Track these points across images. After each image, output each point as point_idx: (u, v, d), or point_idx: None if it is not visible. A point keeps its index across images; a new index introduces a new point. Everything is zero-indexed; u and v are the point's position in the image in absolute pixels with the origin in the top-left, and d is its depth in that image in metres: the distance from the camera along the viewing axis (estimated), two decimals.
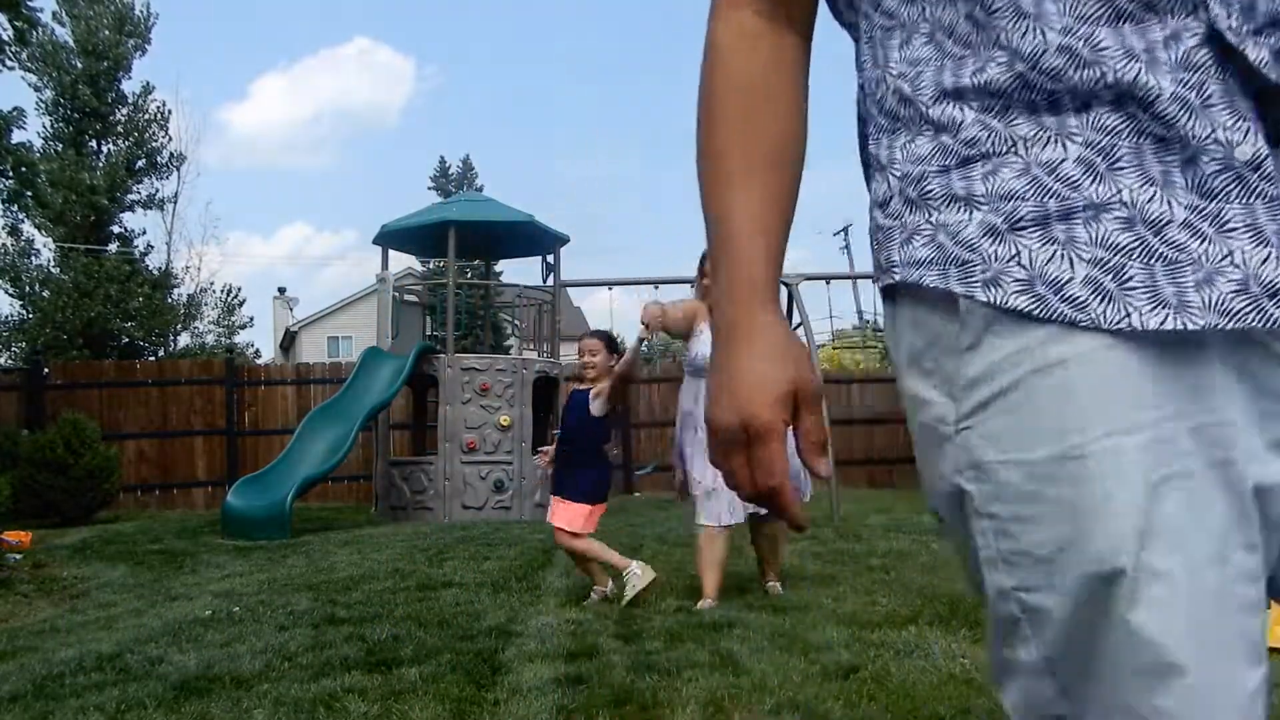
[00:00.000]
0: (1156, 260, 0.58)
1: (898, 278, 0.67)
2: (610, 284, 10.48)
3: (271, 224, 72.72)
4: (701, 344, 4.11)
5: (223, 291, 21.71)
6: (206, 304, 21.02)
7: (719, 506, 4.01)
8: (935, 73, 0.66)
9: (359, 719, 2.55)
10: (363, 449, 10.74)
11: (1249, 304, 0.56)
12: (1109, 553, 0.57)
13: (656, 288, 9.30)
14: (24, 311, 17.51)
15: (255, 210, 65.69)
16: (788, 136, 0.77)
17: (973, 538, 0.64)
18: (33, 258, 17.70)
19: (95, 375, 11.43)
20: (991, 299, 0.61)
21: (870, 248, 0.73)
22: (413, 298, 11.19)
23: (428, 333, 11.02)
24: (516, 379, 9.20)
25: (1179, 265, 0.58)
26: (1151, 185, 0.59)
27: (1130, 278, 0.58)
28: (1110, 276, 0.59)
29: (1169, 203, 0.59)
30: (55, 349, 15.99)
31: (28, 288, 17.23)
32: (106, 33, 17.67)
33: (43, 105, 17.51)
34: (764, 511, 4.03)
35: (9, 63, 11.30)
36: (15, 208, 16.75)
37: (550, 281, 10.33)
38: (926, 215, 0.66)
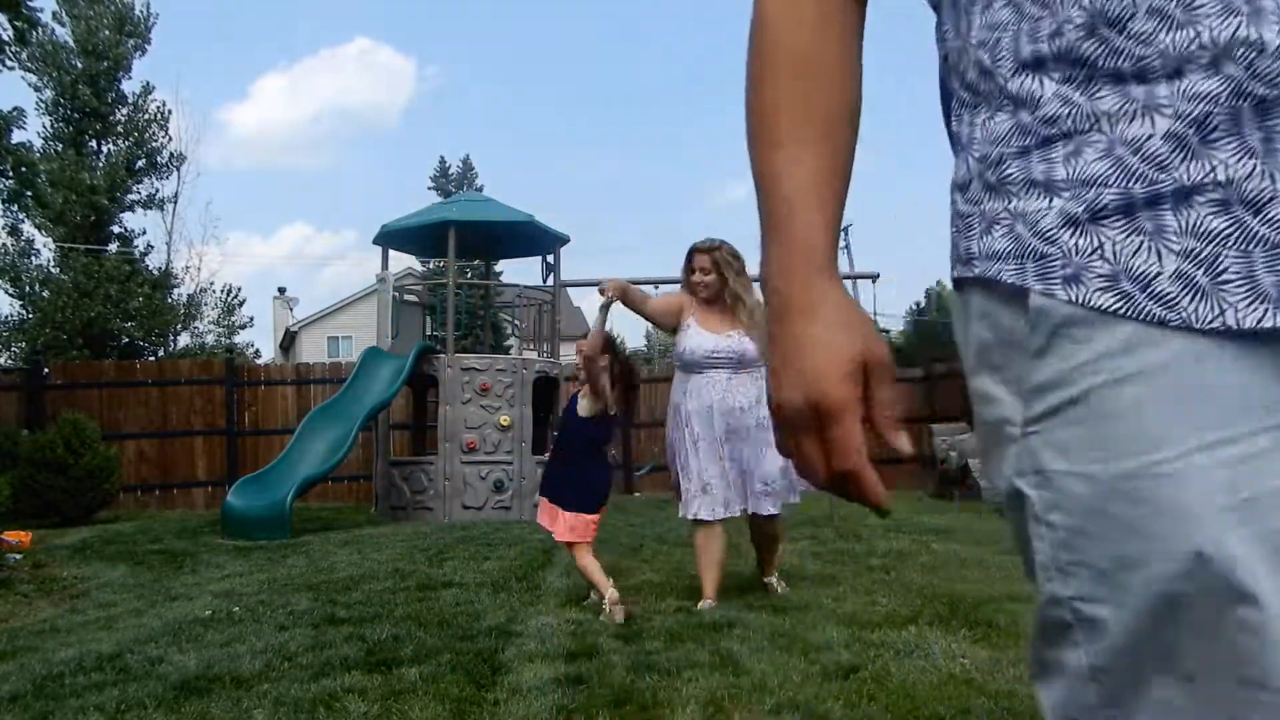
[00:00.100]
0: (1256, 245, 0.53)
1: (976, 271, 0.63)
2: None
3: (271, 224, 72.79)
4: (688, 338, 4.12)
5: (223, 291, 21.72)
6: (206, 304, 21.04)
7: (707, 501, 4.01)
8: (1013, 39, 0.61)
9: (359, 719, 2.55)
10: (363, 449, 10.75)
11: None
12: (1194, 573, 0.53)
13: (656, 288, 9.28)
14: (24, 311, 17.52)
15: (255, 210, 65.70)
16: (840, 101, 0.73)
17: (1029, 540, 0.61)
18: (33, 258, 17.72)
19: (95, 375, 11.44)
20: (1072, 297, 0.57)
21: (950, 233, 0.68)
22: (413, 298, 11.19)
23: (428, 333, 11.03)
24: (516, 379, 9.20)
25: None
26: (1250, 157, 0.53)
27: (1224, 269, 0.53)
28: (1202, 269, 0.54)
29: (1270, 175, 0.53)
30: (55, 349, 16.00)
31: (28, 288, 17.23)
32: (106, 33, 17.68)
33: (43, 105, 17.53)
34: (768, 512, 4.00)
35: (9, 63, 11.31)
36: (15, 208, 16.77)
37: (550, 281, 10.33)
38: (1005, 202, 0.61)
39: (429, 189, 33.16)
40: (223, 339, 21.37)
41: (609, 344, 4.11)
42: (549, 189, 63.94)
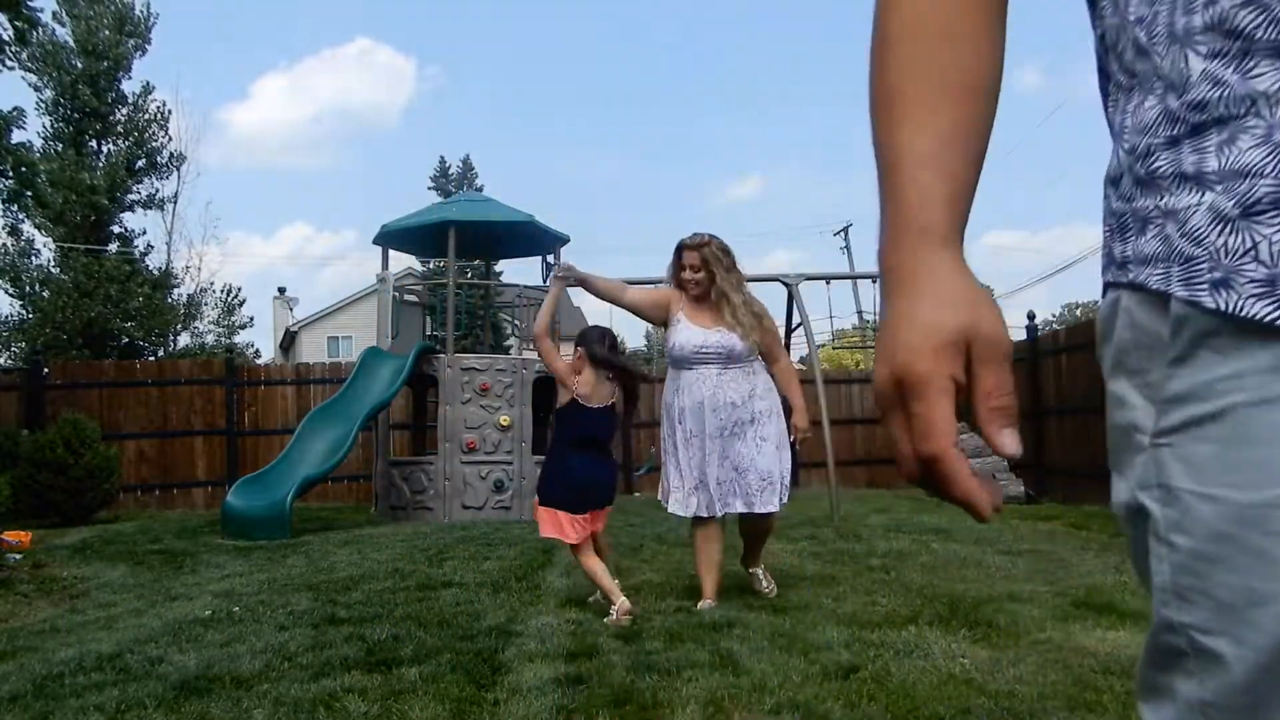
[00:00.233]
0: None
1: (1129, 277, 0.59)
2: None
3: (271, 224, 72.79)
4: (677, 333, 4.10)
5: (222, 291, 21.71)
6: (206, 304, 21.02)
7: (694, 500, 4.00)
8: (1169, 12, 0.56)
9: (359, 719, 2.55)
10: (362, 449, 10.75)
11: None
12: None
13: (657, 287, 9.30)
14: (24, 311, 17.51)
15: (255, 210, 65.70)
16: (973, 69, 0.68)
17: (1149, 557, 0.56)
18: (33, 258, 17.71)
19: (95, 375, 11.43)
20: (1220, 304, 0.51)
21: (1103, 233, 0.63)
22: (413, 298, 11.19)
23: (428, 333, 11.03)
24: (516, 379, 9.20)
25: None
26: None
27: None
28: None
29: None
30: (55, 349, 15.99)
31: (28, 288, 17.23)
32: (106, 33, 17.67)
33: (43, 105, 17.53)
34: (764, 509, 3.94)
35: (9, 63, 11.31)
36: (15, 208, 16.78)
37: (550, 281, 10.32)
38: (1156, 199, 0.56)
39: (429, 189, 33.19)
40: (223, 339, 21.36)
41: (593, 341, 4.05)
42: (549, 189, 63.95)
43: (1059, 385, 9.86)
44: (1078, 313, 46.18)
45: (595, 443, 4.02)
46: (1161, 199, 0.56)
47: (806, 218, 79.56)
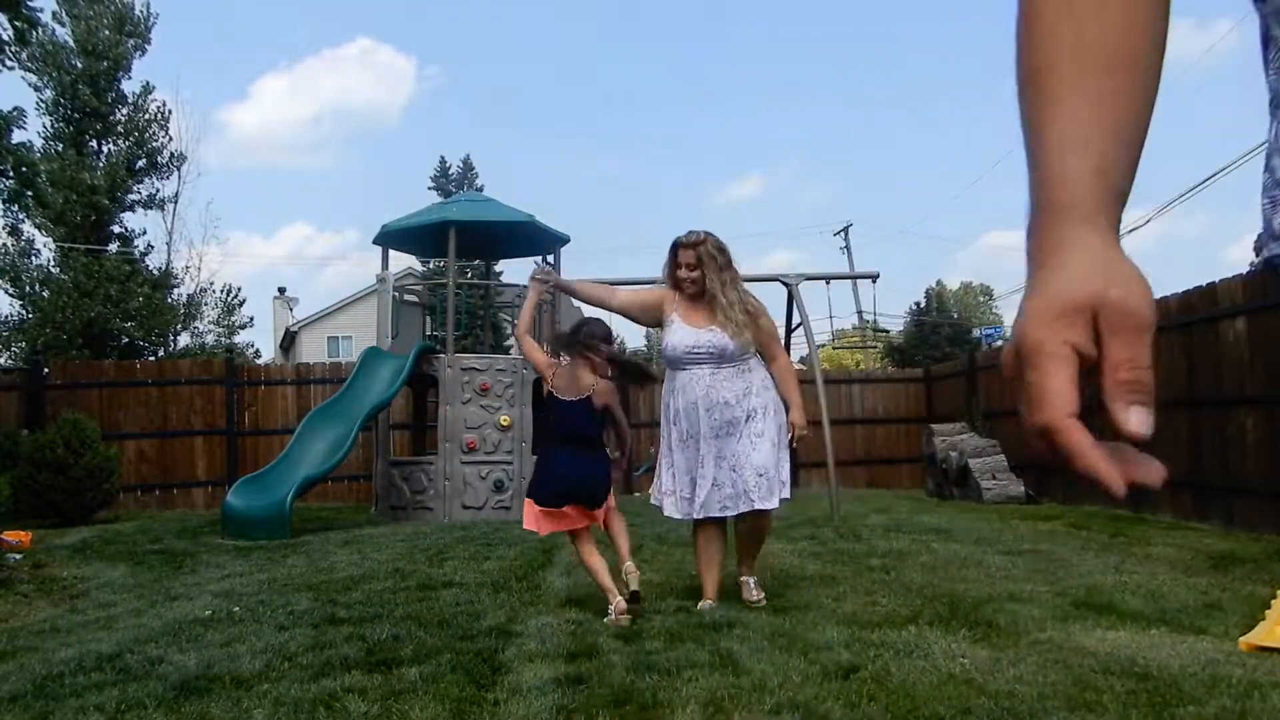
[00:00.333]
0: None
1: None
2: (609, 284, 10.47)
3: (272, 224, 72.80)
4: (670, 333, 4.06)
5: (222, 291, 21.70)
6: (206, 304, 21.01)
7: (679, 503, 4.01)
8: None
9: (359, 719, 2.55)
10: (362, 449, 10.74)
11: None
12: None
13: (651, 287, 9.29)
14: (24, 311, 17.50)
15: (256, 210, 65.69)
16: (1123, 41, 0.65)
17: None
18: (33, 258, 17.70)
19: (95, 375, 11.43)
20: None
21: (1262, 204, 0.60)
22: (413, 298, 11.18)
23: (428, 333, 11.02)
24: (516, 379, 9.20)
25: None
26: None
27: None
28: None
29: None
30: (55, 349, 15.98)
31: (28, 288, 17.22)
32: (106, 33, 17.66)
33: (43, 105, 17.51)
34: (761, 505, 3.84)
35: (9, 63, 11.30)
36: (15, 208, 16.76)
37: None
38: None
39: (429, 189, 33.15)
40: (223, 339, 21.34)
41: (576, 330, 3.98)
42: (549, 189, 63.95)
43: None
44: None
45: (578, 438, 3.88)
46: None
47: (806, 218, 79.54)
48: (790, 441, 4.07)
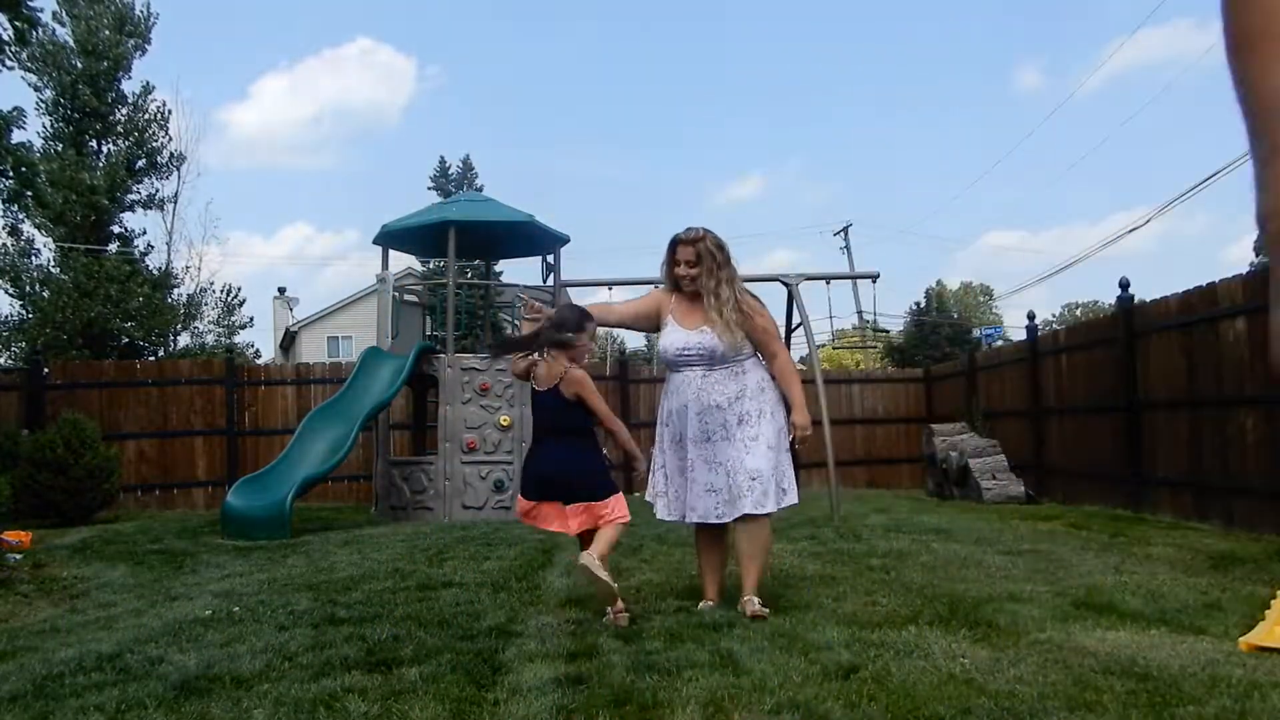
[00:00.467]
0: None
1: None
2: (610, 284, 10.47)
3: (272, 224, 72.86)
4: (664, 335, 4.00)
5: (222, 291, 21.69)
6: (206, 304, 21.00)
7: (670, 505, 3.99)
8: None
9: (359, 719, 2.55)
10: (362, 449, 10.74)
11: None
12: None
13: (656, 287, 9.28)
14: (24, 311, 17.50)
15: (255, 210, 65.71)
16: None
17: None
18: (33, 258, 17.69)
19: (95, 375, 11.44)
20: None
21: None
22: (413, 298, 11.18)
23: (428, 333, 11.02)
24: (516, 379, 9.19)
25: None
26: None
27: None
28: None
29: None
30: (55, 349, 15.98)
31: (28, 288, 17.22)
32: (106, 33, 17.66)
33: (43, 105, 17.52)
34: (756, 510, 3.74)
35: (9, 63, 11.30)
36: (15, 208, 16.75)
37: (550, 281, 10.33)
38: None
39: (429, 189, 33.19)
40: (222, 339, 21.33)
41: (555, 321, 3.86)
42: (548, 189, 63.97)
43: (1059, 385, 9.85)
44: (1077, 313, 46.15)
45: (555, 429, 3.77)
46: None
47: (807, 218, 79.55)
48: (792, 442, 3.98)
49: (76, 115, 17.65)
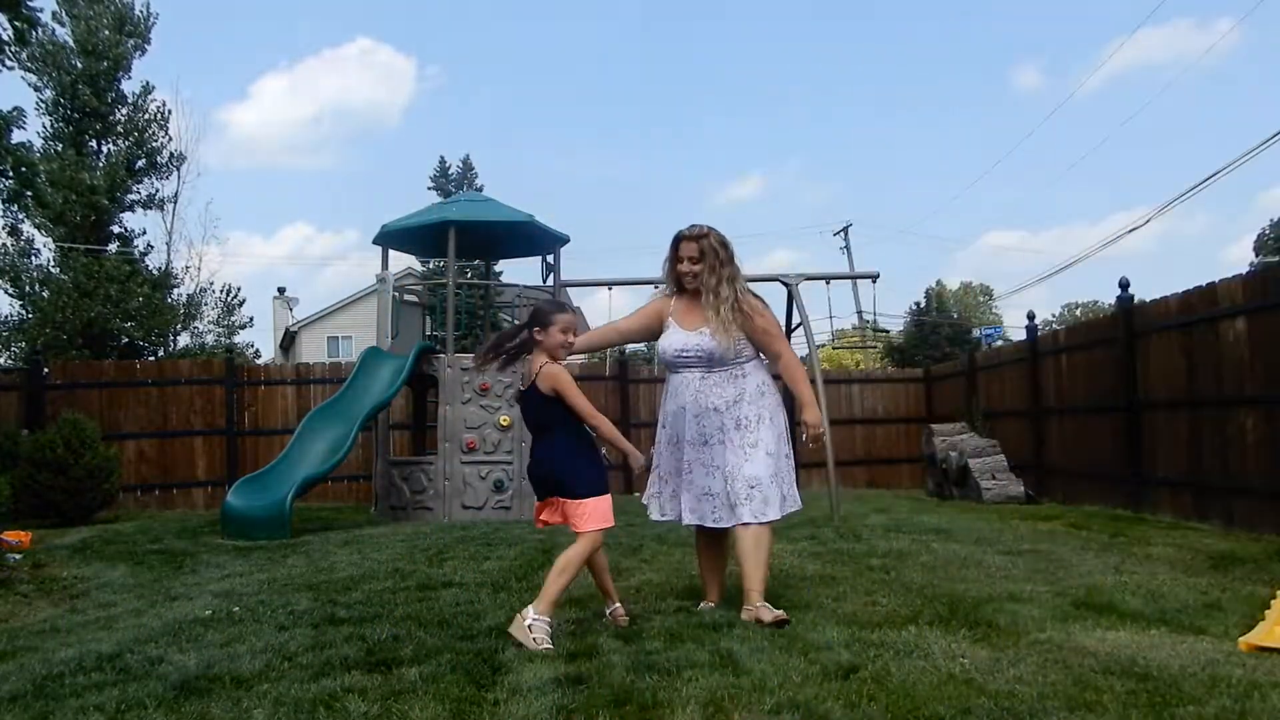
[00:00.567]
0: None
1: None
2: (610, 284, 10.47)
3: (272, 224, 72.87)
4: (664, 336, 3.94)
5: (222, 291, 21.68)
6: (206, 304, 20.99)
7: (664, 506, 3.96)
8: None
9: (359, 719, 2.55)
10: (362, 449, 10.74)
11: None
12: None
13: (656, 287, 9.28)
14: (24, 311, 17.50)
15: (255, 210, 65.76)
16: None
17: None
18: (32, 257, 17.69)
19: (95, 375, 11.44)
20: None
21: None
22: (413, 298, 11.18)
23: (428, 333, 11.02)
24: (516, 379, 9.18)
25: None
26: None
27: None
28: None
29: None
30: (55, 349, 15.98)
31: (28, 288, 17.22)
32: (106, 32, 17.66)
33: (43, 105, 17.52)
34: (754, 519, 3.65)
35: (9, 63, 11.30)
36: (15, 208, 16.75)
37: (550, 281, 10.32)
38: None
39: (429, 189, 33.17)
40: (222, 339, 21.32)
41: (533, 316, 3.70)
42: (548, 189, 64.00)
43: (1059, 385, 9.85)
44: (1077, 313, 46.13)
45: (535, 426, 3.68)
46: None
47: (806, 218, 79.56)
48: (806, 442, 3.91)
49: (76, 115, 17.65)
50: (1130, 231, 48.76)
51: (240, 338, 22.49)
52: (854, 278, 16.54)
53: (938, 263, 78.37)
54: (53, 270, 17.50)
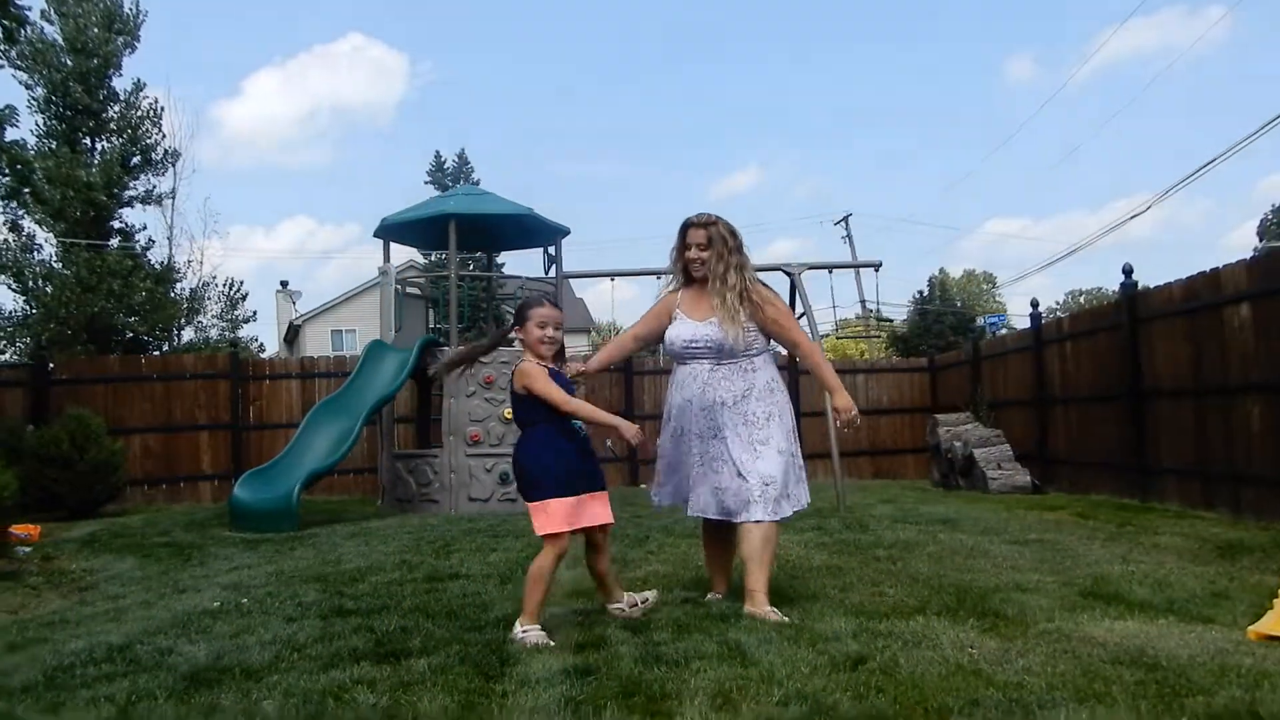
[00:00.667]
0: None
1: None
2: (612, 275, 10.47)
3: (273, 218, 72.92)
4: (672, 327, 3.85)
5: (225, 285, 21.66)
6: (209, 298, 20.98)
7: (660, 490, 3.97)
8: None
9: (368, 710, 2.55)
10: (367, 443, 10.76)
11: None
12: None
13: (658, 278, 9.27)
14: (27, 307, 17.51)
15: (255, 205, 65.87)
16: None
17: None
18: (34, 253, 17.69)
19: (100, 370, 11.46)
20: None
21: None
22: (415, 290, 11.17)
23: (431, 325, 11.02)
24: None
25: None
26: None
27: None
28: None
29: None
30: (60, 344, 15.99)
31: (31, 283, 17.22)
32: (95, 30, 17.63)
33: (35, 103, 17.50)
34: (762, 517, 3.59)
35: None
36: (14, 204, 16.76)
37: (552, 273, 10.31)
38: None
39: (426, 183, 33.04)
40: (226, 333, 21.32)
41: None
42: (544, 181, 63.97)
43: (1063, 373, 9.83)
44: (1081, 300, 46.01)
45: (519, 423, 3.64)
46: None
47: (807, 207, 79.44)
48: (841, 428, 3.86)
49: (69, 113, 17.62)
50: (1132, 218, 48.55)
51: (244, 332, 22.45)
52: (856, 267, 16.50)
53: (940, 251, 78.33)
54: (55, 265, 17.50)
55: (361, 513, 8.93)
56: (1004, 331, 22.87)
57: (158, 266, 19.04)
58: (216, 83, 62.82)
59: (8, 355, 17.77)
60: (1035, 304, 10.88)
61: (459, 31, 70.20)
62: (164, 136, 19.11)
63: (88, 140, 18.08)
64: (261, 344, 28.22)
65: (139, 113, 18.54)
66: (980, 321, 29.13)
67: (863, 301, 25.80)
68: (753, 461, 3.65)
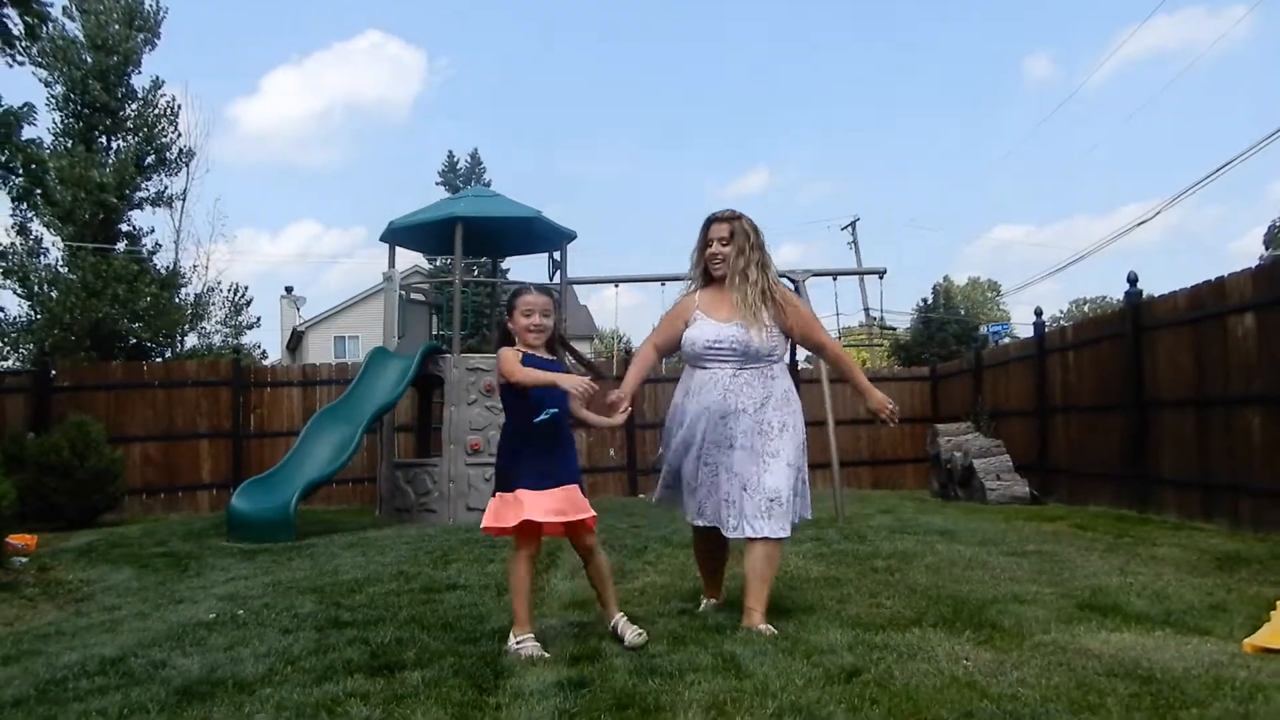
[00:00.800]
0: None
1: None
2: (617, 281, 10.46)
3: (279, 221, 73.17)
4: (691, 328, 3.71)
5: (229, 291, 21.70)
6: (214, 303, 21.01)
7: (659, 491, 3.91)
8: None
9: None
10: (367, 452, 10.76)
11: None
12: None
13: (663, 285, 9.29)
14: (32, 312, 17.55)
15: (264, 207, 66.11)
16: None
17: None
18: (41, 257, 17.73)
19: (102, 377, 11.48)
20: None
21: None
22: (419, 296, 11.18)
23: (434, 332, 11.02)
24: None
25: None
26: None
27: None
28: None
29: None
30: (63, 350, 16.01)
31: (36, 288, 17.26)
32: (116, 27, 17.68)
33: (53, 101, 17.54)
34: (769, 533, 3.52)
35: (19, 58, 11.33)
36: (25, 206, 16.79)
37: (557, 279, 10.31)
38: None
39: (437, 184, 33.11)
40: (229, 339, 21.35)
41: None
42: (555, 184, 64.08)
43: (1065, 383, 9.80)
44: (1085, 308, 45.95)
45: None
46: None
47: (813, 213, 79.50)
48: (887, 422, 3.80)
49: (86, 111, 17.66)
50: (1139, 225, 48.65)
51: (247, 338, 22.47)
52: (861, 274, 16.51)
53: (945, 257, 78.30)
54: (61, 270, 17.54)
55: (359, 523, 8.93)
56: (1007, 340, 22.84)
57: (163, 271, 19.07)
58: (235, 80, 63.19)
59: (11, 361, 17.80)
60: (1039, 313, 10.86)
61: (477, 28, 70.56)
62: (179, 135, 19.15)
63: (103, 139, 18.12)
64: (264, 350, 28.29)
65: (156, 111, 18.57)
66: (983, 330, 29.10)
67: (867, 309, 25.80)
68: (762, 476, 3.55)
